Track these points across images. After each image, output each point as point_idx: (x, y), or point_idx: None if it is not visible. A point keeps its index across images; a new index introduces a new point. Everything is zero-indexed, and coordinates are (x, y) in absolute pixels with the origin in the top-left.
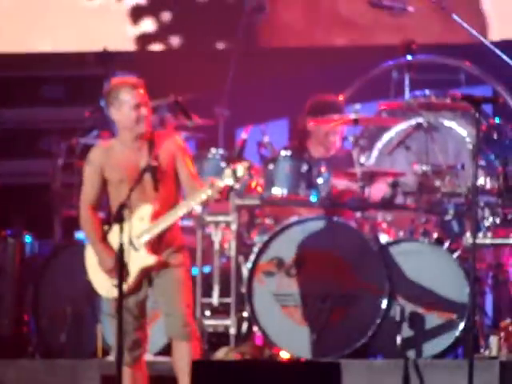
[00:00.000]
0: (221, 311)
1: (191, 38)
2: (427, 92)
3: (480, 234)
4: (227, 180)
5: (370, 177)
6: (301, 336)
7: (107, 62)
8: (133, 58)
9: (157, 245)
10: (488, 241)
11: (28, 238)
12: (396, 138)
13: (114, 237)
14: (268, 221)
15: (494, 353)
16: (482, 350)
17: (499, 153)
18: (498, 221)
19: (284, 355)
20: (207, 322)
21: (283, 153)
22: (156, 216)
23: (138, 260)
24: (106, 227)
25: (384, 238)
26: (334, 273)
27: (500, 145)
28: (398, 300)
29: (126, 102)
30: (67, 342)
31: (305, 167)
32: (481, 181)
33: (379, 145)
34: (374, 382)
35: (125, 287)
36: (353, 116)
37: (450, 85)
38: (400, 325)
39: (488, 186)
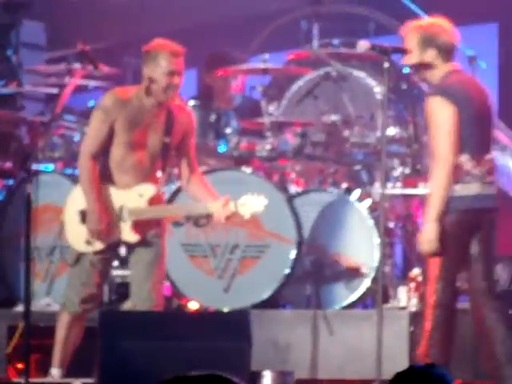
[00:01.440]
0: (127, 261)
1: None
2: (336, 41)
3: (389, 185)
4: (241, 209)
5: (279, 127)
6: (209, 286)
7: (15, 10)
8: (41, 6)
9: (143, 224)
10: (397, 191)
11: None
12: (304, 88)
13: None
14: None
15: (403, 303)
16: (391, 301)
17: (408, 103)
18: (407, 171)
19: (192, 306)
20: (115, 273)
21: (191, 103)
22: (154, 200)
23: (121, 231)
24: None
25: (293, 189)
26: (242, 223)
27: (409, 95)
28: (307, 250)
29: (163, 67)
30: None
31: (213, 117)
32: (390, 131)
33: (288, 95)
34: (283, 333)
35: (96, 245)
36: (261, 65)
37: (359, 34)
38: (309, 275)
39: (397, 136)
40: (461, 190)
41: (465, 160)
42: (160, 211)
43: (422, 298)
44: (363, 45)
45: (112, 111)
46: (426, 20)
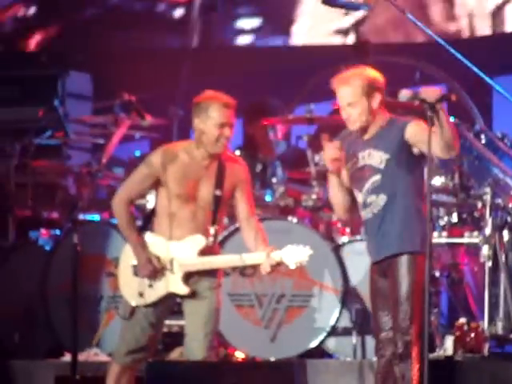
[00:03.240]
0: (175, 311)
1: (145, 37)
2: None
3: (435, 233)
4: (286, 258)
5: (325, 176)
6: (256, 336)
7: (61, 61)
8: (87, 58)
9: (193, 274)
10: (443, 240)
11: None
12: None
13: (152, 247)
14: (224, 220)
15: (449, 352)
16: (437, 350)
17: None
18: (453, 220)
19: (239, 355)
20: None
21: (237, 153)
22: (205, 252)
23: (170, 283)
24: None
25: (338, 238)
26: (288, 272)
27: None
28: (353, 300)
29: (214, 118)
30: (21, 342)
31: (259, 167)
32: (436, 180)
33: None
34: (330, 382)
35: (149, 298)
36: (306, 115)
37: (405, 84)
38: (354, 325)
39: (443, 185)
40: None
41: None
42: (213, 263)
43: (467, 347)
44: (406, 94)
45: (157, 168)
46: (357, 69)
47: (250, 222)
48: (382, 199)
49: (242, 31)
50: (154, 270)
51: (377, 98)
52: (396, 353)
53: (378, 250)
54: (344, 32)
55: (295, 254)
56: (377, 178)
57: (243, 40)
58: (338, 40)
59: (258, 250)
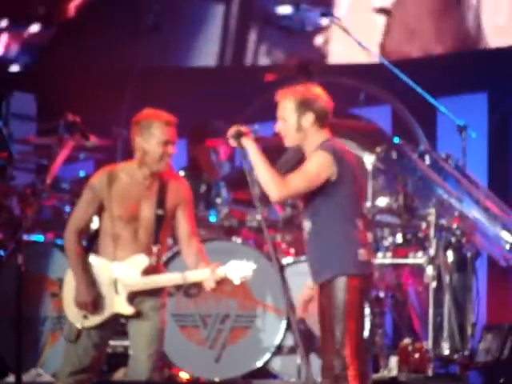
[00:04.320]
0: (120, 332)
1: (88, 57)
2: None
3: (380, 254)
4: (230, 274)
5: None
6: (200, 356)
7: (4, 81)
8: (31, 78)
9: (137, 294)
10: (388, 261)
11: None
12: (295, 157)
13: (96, 269)
14: (168, 240)
15: (394, 373)
16: (381, 370)
17: (398, 173)
18: (397, 240)
19: (184, 376)
20: None
21: (181, 173)
22: (148, 271)
23: (115, 304)
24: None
25: (283, 259)
26: (233, 292)
27: (399, 165)
28: (297, 321)
29: (157, 136)
30: None
31: (203, 187)
32: (381, 201)
33: (278, 165)
34: None
35: (93, 320)
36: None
37: (349, 104)
38: (299, 346)
39: (388, 206)
40: (364, 254)
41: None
42: (156, 282)
43: (411, 368)
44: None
45: (99, 191)
46: (301, 86)
47: (191, 242)
48: (307, 225)
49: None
50: (92, 300)
51: (308, 117)
52: (334, 375)
53: (312, 275)
54: (385, 11)
55: (239, 269)
56: (303, 203)
57: (284, 10)
58: (379, 19)
59: (200, 268)
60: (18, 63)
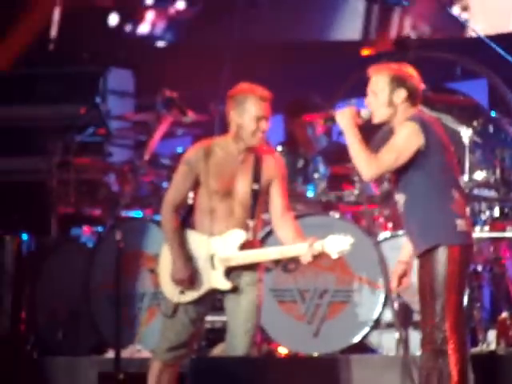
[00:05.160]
0: (218, 307)
1: (187, 33)
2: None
3: (477, 228)
4: (328, 248)
5: None
6: (298, 331)
7: (102, 58)
8: (128, 55)
9: (234, 269)
10: (485, 235)
11: (25, 236)
12: (390, 132)
13: (192, 244)
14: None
15: (492, 347)
16: (480, 344)
17: (496, 146)
18: (495, 214)
19: (282, 351)
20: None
21: (279, 149)
22: (245, 246)
23: (212, 279)
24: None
25: (381, 233)
26: (330, 267)
27: (496, 138)
28: (396, 295)
29: (250, 112)
30: (64, 339)
31: (301, 162)
32: (478, 175)
33: (374, 140)
34: (373, 378)
35: (190, 295)
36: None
37: (445, 79)
38: (397, 320)
39: (485, 180)
40: (462, 225)
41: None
42: (253, 257)
43: (509, 341)
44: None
45: (195, 165)
46: (394, 64)
47: (285, 217)
48: (401, 198)
49: None
50: (188, 277)
51: (400, 94)
52: (434, 349)
53: (413, 247)
54: None
55: (337, 244)
56: (396, 176)
57: None
58: None
59: (295, 243)
60: (163, 40)
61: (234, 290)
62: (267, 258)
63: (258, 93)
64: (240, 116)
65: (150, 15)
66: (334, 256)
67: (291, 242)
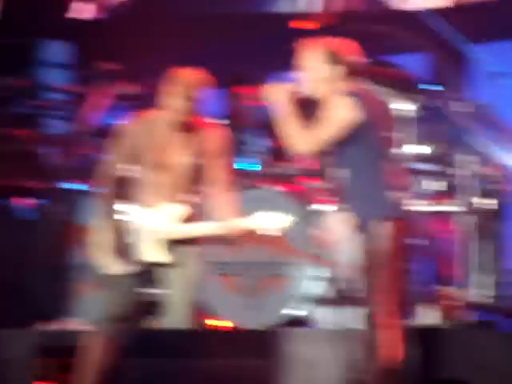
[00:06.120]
0: (158, 280)
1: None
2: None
3: (415, 202)
4: (265, 225)
5: None
6: (239, 304)
7: (39, 30)
8: (68, 25)
9: (173, 243)
10: (425, 208)
11: None
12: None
13: (130, 217)
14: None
15: (433, 321)
16: (419, 319)
17: (437, 120)
18: (435, 188)
19: (222, 324)
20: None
21: (218, 121)
22: (184, 220)
23: (150, 252)
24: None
25: (321, 207)
26: (269, 241)
27: (435, 112)
28: (335, 269)
29: (184, 87)
30: (4, 311)
31: (243, 136)
32: (418, 149)
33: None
34: (312, 351)
35: (128, 268)
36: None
37: (384, 52)
38: (339, 294)
39: (426, 154)
40: (396, 198)
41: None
42: (188, 231)
43: (450, 316)
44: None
45: (135, 137)
46: (333, 39)
47: (224, 192)
48: (338, 172)
49: None
50: (125, 250)
51: (337, 69)
52: (370, 323)
53: (352, 220)
54: None
55: (276, 220)
56: (333, 150)
57: None
58: None
59: (230, 218)
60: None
61: (173, 263)
62: (205, 233)
63: (192, 71)
64: (173, 93)
65: None
66: (273, 233)
67: (228, 217)
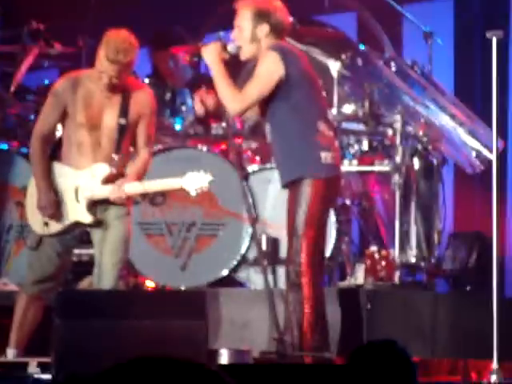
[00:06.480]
0: (85, 240)
1: None
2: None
3: (346, 162)
4: (186, 185)
5: None
6: (166, 264)
7: None
8: None
9: (100, 203)
10: (354, 168)
11: None
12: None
13: (58, 177)
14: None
15: (360, 281)
16: (348, 278)
17: (364, 79)
18: (363, 148)
19: (149, 284)
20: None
21: (146, 80)
22: (109, 180)
23: (76, 212)
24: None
25: (248, 167)
26: (198, 201)
27: (365, 71)
28: (263, 229)
29: (111, 47)
30: None
31: (168, 95)
32: (346, 108)
33: (244, 72)
34: (240, 311)
35: (54, 227)
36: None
37: (313, 11)
38: (265, 253)
39: (353, 113)
40: (327, 158)
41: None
42: (115, 192)
43: (377, 275)
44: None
45: (63, 96)
46: None
47: (142, 152)
48: (268, 129)
49: None
50: (50, 204)
51: (263, 28)
52: (290, 283)
53: (280, 178)
54: None
55: (196, 181)
56: (263, 108)
57: None
58: None
59: (133, 173)
60: None
61: (100, 223)
62: (129, 193)
63: (120, 30)
64: (102, 51)
65: None
66: (193, 193)
67: (133, 171)
